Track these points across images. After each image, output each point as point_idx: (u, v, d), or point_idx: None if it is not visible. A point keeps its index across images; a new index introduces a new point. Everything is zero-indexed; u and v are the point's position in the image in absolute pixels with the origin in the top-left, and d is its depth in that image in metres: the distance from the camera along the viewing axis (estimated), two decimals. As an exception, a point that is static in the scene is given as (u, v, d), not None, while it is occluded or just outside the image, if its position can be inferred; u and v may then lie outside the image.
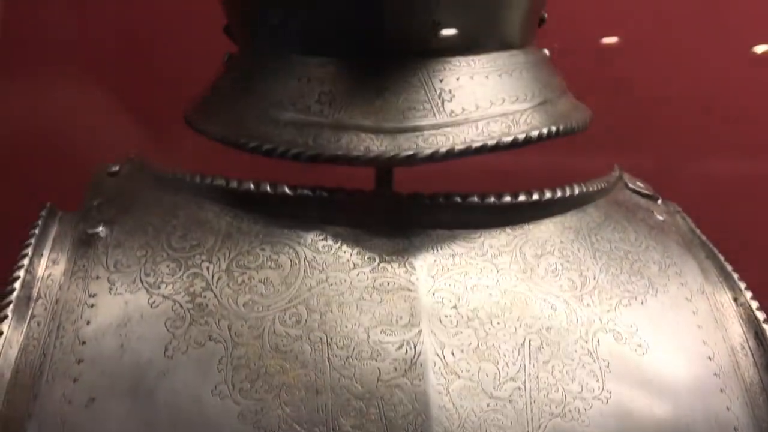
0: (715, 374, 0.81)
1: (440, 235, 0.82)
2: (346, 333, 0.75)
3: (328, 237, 0.81)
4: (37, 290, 0.81)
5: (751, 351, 0.84)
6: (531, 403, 0.74)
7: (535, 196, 0.85)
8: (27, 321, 0.78)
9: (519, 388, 0.74)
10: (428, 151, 0.79)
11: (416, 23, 0.80)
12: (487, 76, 0.85)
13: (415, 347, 0.75)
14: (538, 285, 0.81)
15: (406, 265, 0.80)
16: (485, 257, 0.82)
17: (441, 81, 0.83)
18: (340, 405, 0.72)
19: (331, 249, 0.81)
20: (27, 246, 0.84)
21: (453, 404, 0.73)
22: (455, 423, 0.72)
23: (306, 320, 0.76)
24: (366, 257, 0.80)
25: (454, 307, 0.78)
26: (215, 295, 0.78)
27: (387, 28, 0.79)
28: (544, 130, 0.84)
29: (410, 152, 0.79)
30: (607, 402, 0.76)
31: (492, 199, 0.83)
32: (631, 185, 1.00)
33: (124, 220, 0.86)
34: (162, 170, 0.91)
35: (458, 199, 0.82)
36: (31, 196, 0.95)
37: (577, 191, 0.88)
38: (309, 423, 0.71)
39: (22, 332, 0.78)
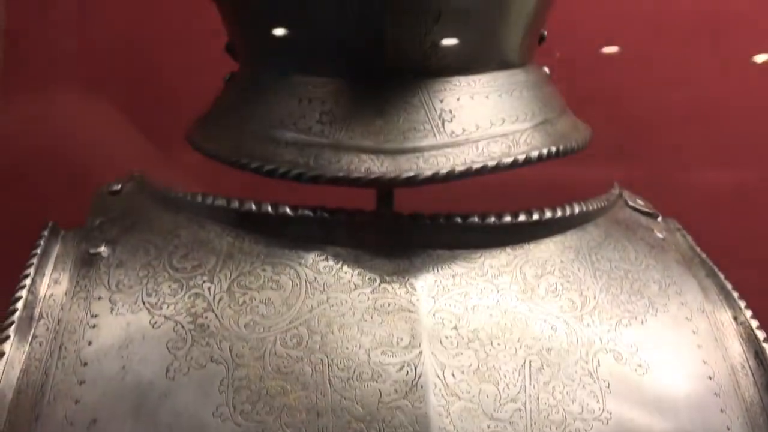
0: (716, 394, 0.81)
1: (441, 256, 0.82)
2: (347, 354, 0.76)
3: (329, 257, 0.82)
4: (39, 310, 0.81)
5: (751, 370, 0.85)
6: (531, 424, 0.74)
7: (536, 216, 0.85)
8: (29, 341, 0.79)
9: (519, 410, 0.75)
10: (429, 173, 0.79)
11: (416, 43, 0.81)
12: (487, 96, 0.85)
13: (415, 369, 0.75)
14: (539, 305, 0.81)
15: (407, 285, 0.80)
16: (485, 277, 0.82)
17: (441, 101, 0.83)
18: (340, 427, 0.72)
19: (332, 269, 0.81)
20: (29, 265, 0.84)
21: (454, 426, 0.73)
22: None
23: (307, 341, 0.76)
24: (367, 278, 0.81)
25: (455, 327, 0.78)
26: (216, 315, 0.78)
27: (387, 49, 0.80)
28: (544, 151, 0.85)
29: (411, 173, 0.79)
30: (607, 423, 0.76)
31: (492, 219, 0.83)
32: (631, 203, 1.00)
33: (125, 239, 0.86)
34: (163, 189, 0.91)
35: (458, 220, 0.83)
36: (33, 213, 0.96)
37: (577, 210, 0.89)
38: None
39: (24, 353, 0.78)
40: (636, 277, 0.87)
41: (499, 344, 0.78)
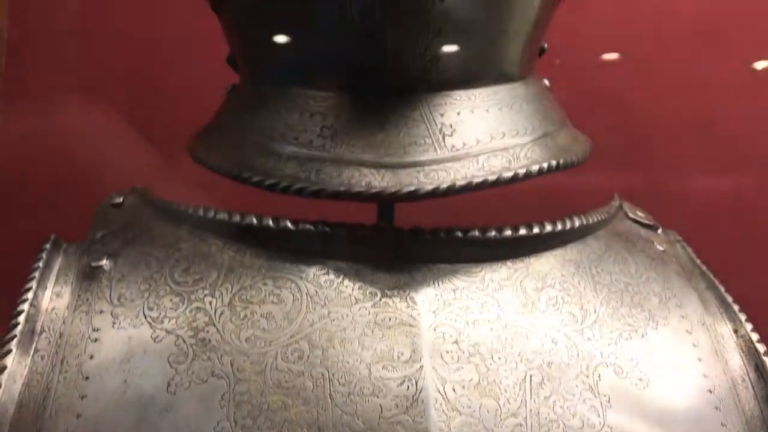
0: (716, 407, 0.82)
1: (441, 270, 0.83)
2: (348, 369, 0.76)
3: (330, 271, 0.82)
4: (41, 324, 0.81)
5: (751, 383, 0.85)
6: None
7: (536, 230, 0.85)
8: (31, 355, 0.79)
9: (520, 425, 0.75)
10: (429, 187, 0.80)
11: (416, 57, 0.81)
12: (487, 110, 0.86)
13: (416, 383, 0.75)
14: (539, 319, 0.81)
15: (408, 299, 0.80)
16: (486, 291, 0.82)
17: (442, 115, 0.83)
18: None
19: (333, 283, 0.81)
20: (31, 279, 0.84)
21: None
22: None
23: (308, 356, 0.76)
24: (368, 292, 0.81)
25: (456, 342, 0.78)
26: (218, 330, 0.78)
27: (387, 63, 0.80)
28: (545, 165, 0.85)
29: (411, 188, 0.80)
30: None
31: (493, 233, 0.83)
32: (631, 215, 1.00)
33: (127, 252, 0.86)
34: (165, 202, 0.91)
35: (459, 234, 0.83)
36: (35, 223, 0.96)
37: (577, 223, 0.89)
38: None
39: (26, 366, 0.78)
40: (636, 290, 0.87)
41: (499, 358, 0.78)
